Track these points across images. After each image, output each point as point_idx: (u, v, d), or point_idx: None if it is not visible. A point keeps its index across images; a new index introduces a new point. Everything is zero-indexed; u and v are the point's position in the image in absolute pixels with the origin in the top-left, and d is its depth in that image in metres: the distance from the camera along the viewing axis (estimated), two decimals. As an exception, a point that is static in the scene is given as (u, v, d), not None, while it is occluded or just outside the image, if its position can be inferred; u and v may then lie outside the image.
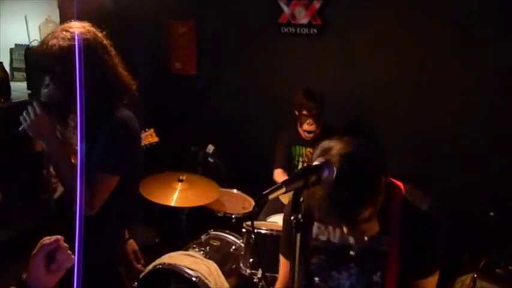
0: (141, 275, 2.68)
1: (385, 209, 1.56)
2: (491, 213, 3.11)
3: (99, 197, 1.77)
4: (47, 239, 1.20)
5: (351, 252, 1.63)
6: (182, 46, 4.45)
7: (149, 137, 3.19)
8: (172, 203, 3.11)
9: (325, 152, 1.42)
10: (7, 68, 4.00)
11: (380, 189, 1.45)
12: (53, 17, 4.29)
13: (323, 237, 1.70)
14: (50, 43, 1.75)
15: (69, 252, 1.21)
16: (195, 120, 4.37)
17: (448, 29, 3.32)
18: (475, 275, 2.84)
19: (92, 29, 1.84)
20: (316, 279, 1.70)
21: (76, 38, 1.76)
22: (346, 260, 1.64)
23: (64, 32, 1.77)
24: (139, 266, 2.22)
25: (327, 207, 1.38)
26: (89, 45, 1.77)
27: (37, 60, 1.84)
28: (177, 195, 3.17)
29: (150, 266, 2.68)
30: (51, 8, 4.38)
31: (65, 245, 1.21)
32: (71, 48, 1.72)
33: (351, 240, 1.63)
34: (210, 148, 4.00)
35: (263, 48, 4.04)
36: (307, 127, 3.36)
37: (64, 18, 4.11)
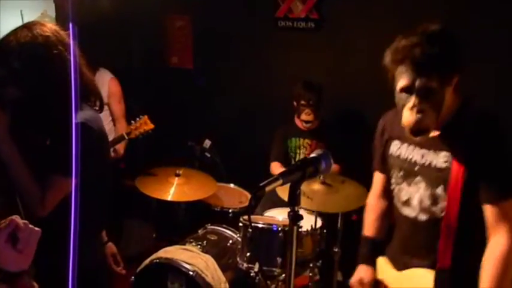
0: (138, 270, 2.68)
1: (452, 125, 1.68)
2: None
3: (50, 197, 1.70)
4: (2, 222, 1.19)
5: (416, 168, 1.75)
6: (179, 41, 4.43)
7: (144, 124, 3.07)
8: (169, 198, 3.12)
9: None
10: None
11: (450, 85, 1.64)
12: (49, 12, 4.27)
13: (397, 153, 1.83)
14: (9, 39, 1.71)
15: (30, 226, 1.19)
16: (192, 114, 4.35)
17: (446, 22, 3.30)
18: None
19: (54, 27, 1.77)
20: (394, 191, 1.84)
21: (71, 34, 1.73)
22: (414, 174, 1.76)
23: (24, 29, 1.72)
24: (119, 269, 2.17)
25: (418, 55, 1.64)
26: (48, 42, 1.70)
27: None
28: (174, 189, 3.17)
29: (147, 261, 2.68)
30: (47, 3, 4.35)
31: (23, 222, 1.19)
32: (28, 44, 1.68)
33: (418, 156, 1.75)
34: (207, 143, 4.00)
35: (260, 42, 4.03)
36: (305, 117, 3.38)
37: (60, 12, 4.08)
